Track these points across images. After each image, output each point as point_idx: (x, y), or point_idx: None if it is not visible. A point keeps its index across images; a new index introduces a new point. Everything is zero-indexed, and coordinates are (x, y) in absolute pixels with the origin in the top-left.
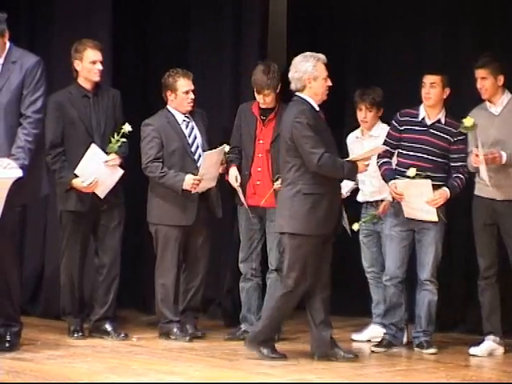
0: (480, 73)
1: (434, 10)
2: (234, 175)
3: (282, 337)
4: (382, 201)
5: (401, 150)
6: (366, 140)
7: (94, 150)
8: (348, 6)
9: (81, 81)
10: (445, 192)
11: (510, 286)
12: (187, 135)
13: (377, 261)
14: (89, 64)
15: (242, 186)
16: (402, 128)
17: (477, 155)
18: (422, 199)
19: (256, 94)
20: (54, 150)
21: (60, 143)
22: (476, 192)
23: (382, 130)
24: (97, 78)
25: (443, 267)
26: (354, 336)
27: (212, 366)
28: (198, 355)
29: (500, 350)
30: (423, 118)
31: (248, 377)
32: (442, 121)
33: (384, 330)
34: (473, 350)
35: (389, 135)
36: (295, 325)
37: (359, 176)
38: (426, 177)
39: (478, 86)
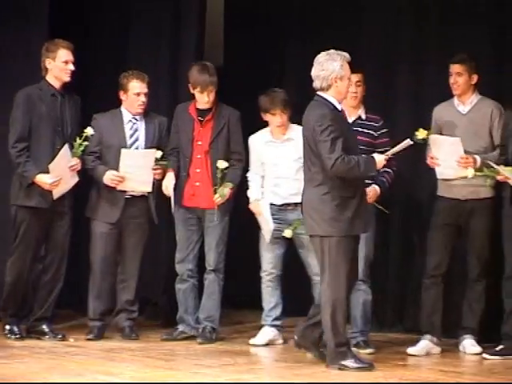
0: (456, 68)
1: (372, 6)
2: (165, 184)
3: (219, 337)
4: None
5: None
6: (284, 144)
7: (66, 151)
8: (285, 3)
9: (50, 79)
10: (374, 189)
11: (450, 286)
12: (128, 135)
13: (279, 263)
14: (61, 63)
15: (180, 187)
16: None
17: (432, 157)
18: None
19: (198, 94)
20: (21, 144)
21: (27, 137)
22: (439, 193)
23: (298, 131)
24: (67, 78)
25: (379, 267)
26: (252, 341)
27: (149, 367)
28: (135, 355)
29: (437, 349)
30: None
31: (185, 377)
32: (363, 117)
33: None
34: (410, 350)
35: None
36: (231, 325)
37: (273, 180)
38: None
39: (451, 81)
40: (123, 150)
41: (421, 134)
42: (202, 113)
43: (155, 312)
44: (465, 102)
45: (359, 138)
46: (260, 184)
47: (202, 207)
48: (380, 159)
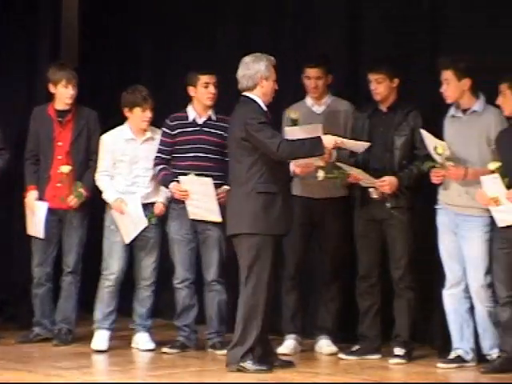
0: (314, 72)
1: (226, 10)
2: (28, 202)
3: (75, 339)
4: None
5: (176, 154)
6: (144, 143)
7: None
8: (138, 8)
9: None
10: (225, 190)
11: (305, 287)
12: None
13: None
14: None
15: (42, 189)
16: (175, 132)
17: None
18: (204, 197)
19: (62, 89)
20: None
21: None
22: (294, 192)
23: (159, 133)
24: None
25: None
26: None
27: (5, 369)
28: None
29: (299, 348)
30: (194, 119)
31: (42, 379)
32: (213, 118)
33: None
34: (280, 349)
35: (162, 143)
36: (85, 327)
37: (131, 179)
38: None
39: (311, 84)
40: None
41: (294, 114)
42: (61, 114)
43: (12, 314)
44: (319, 103)
45: (209, 138)
46: (111, 183)
47: (64, 208)
48: (328, 139)
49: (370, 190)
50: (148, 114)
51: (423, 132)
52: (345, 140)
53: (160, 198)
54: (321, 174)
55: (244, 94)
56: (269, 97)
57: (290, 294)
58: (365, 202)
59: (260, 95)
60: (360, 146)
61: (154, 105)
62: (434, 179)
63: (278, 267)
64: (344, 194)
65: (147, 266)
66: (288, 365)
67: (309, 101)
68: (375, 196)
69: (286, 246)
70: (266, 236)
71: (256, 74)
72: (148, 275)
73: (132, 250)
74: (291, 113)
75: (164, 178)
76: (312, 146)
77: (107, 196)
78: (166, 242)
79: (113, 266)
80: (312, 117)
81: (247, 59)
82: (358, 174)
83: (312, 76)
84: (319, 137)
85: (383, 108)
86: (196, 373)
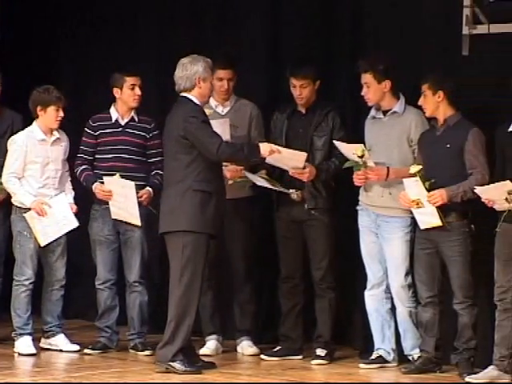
0: (221, 73)
1: (148, 7)
2: None
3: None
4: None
5: (98, 155)
6: (54, 144)
7: None
8: (59, 8)
9: None
10: (148, 191)
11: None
12: None
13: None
14: None
15: None
16: (97, 133)
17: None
18: (127, 200)
19: None
20: None
21: None
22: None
23: (64, 133)
24: None
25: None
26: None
27: None
28: None
29: (221, 349)
30: (116, 120)
31: None
32: (136, 119)
33: None
34: (203, 350)
35: (85, 143)
36: (4, 328)
37: (42, 181)
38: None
39: (222, 85)
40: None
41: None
42: None
43: None
44: (223, 104)
45: (131, 139)
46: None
47: None
48: (265, 147)
49: (290, 190)
50: (61, 113)
51: (337, 143)
52: (281, 148)
53: (70, 200)
54: (230, 180)
55: (182, 94)
56: (206, 98)
57: (207, 295)
58: (284, 204)
59: (197, 96)
60: (297, 155)
61: (65, 104)
62: (357, 181)
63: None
64: (248, 195)
65: (61, 267)
66: (210, 366)
67: (213, 102)
68: (295, 197)
69: None
70: (201, 234)
71: (194, 76)
72: (62, 276)
73: (41, 252)
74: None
75: (87, 179)
76: (249, 152)
77: (23, 199)
78: (89, 243)
79: (27, 272)
80: (216, 117)
81: (184, 60)
82: (265, 184)
83: (224, 77)
84: (257, 143)
85: (302, 109)
86: (118, 374)
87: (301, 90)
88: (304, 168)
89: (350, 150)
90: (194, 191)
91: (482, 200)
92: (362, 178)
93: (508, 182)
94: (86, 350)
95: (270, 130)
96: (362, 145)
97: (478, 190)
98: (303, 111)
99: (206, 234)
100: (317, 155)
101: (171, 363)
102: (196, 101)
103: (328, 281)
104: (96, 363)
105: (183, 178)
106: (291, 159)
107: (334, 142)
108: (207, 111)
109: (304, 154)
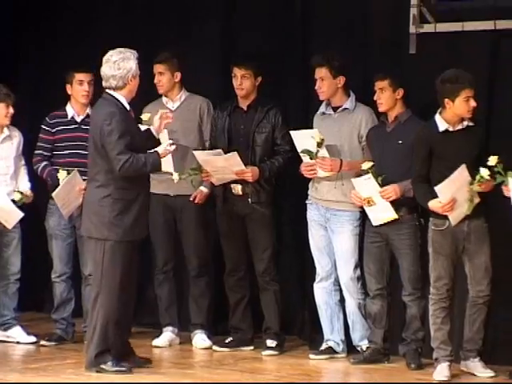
0: (158, 67)
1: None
2: None
3: None
4: None
5: (56, 152)
6: (4, 142)
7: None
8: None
9: None
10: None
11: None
12: None
13: None
14: None
15: None
16: (54, 130)
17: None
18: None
19: None
20: None
21: None
22: (152, 189)
23: (18, 131)
24: None
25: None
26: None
27: None
28: None
29: (177, 340)
30: (72, 117)
31: None
32: None
33: None
34: (155, 342)
35: (43, 140)
36: None
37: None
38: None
39: (156, 81)
40: None
41: (145, 116)
42: None
43: None
44: (173, 99)
45: (87, 135)
46: None
47: None
48: (162, 150)
49: (232, 185)
50: (11, 110)
51: (293, 132)
52: (211, 157)
53: (26, 188)
54: (175, 177)
55: (108, 91)
56: (133, 94)
57: (162, 287)
58: (227, 199)
59: (126, 94)
60: (230, 158)
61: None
62: (306, 173)
63: (136, 268)
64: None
65: (16, 261)
66: (145, 363)
67: (164, 98)
68: (237, 192)
69: (153, 242)
70: (120, 242)
71: (127, 74)
72: (17, 270)
73: None
74: (143, 116)
75: (50, 174)
76: (153, 165)
77: None
78: (45, 237)
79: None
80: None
81: (114, 57)
82: (210, 169)
83: (156, 71)
84: (157, 153)
85: (243, 106)
86: (74, 365)
87: (241, 81)
88: (246, 166)
89: (307, 136)
90: (114, 200)
91: (442, 206)
92: (312, 170)
93: (463, 166)
94: (43, 342)
95: (212, 127)
96: (316, 130)
97: (437, 188)
98: (244, 108)
99: (125, 242)
100: (257, 151)
101: (101, 365)
102: (123, 100)
103: (271, 273)
104: (52, 354)
105: (104, 183)
106: (228, 164)
107: (291, 132)
108: (159, 107)
109: (235, 154)
